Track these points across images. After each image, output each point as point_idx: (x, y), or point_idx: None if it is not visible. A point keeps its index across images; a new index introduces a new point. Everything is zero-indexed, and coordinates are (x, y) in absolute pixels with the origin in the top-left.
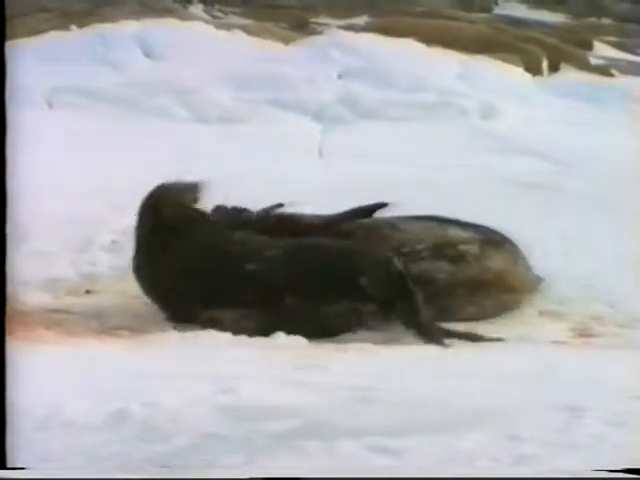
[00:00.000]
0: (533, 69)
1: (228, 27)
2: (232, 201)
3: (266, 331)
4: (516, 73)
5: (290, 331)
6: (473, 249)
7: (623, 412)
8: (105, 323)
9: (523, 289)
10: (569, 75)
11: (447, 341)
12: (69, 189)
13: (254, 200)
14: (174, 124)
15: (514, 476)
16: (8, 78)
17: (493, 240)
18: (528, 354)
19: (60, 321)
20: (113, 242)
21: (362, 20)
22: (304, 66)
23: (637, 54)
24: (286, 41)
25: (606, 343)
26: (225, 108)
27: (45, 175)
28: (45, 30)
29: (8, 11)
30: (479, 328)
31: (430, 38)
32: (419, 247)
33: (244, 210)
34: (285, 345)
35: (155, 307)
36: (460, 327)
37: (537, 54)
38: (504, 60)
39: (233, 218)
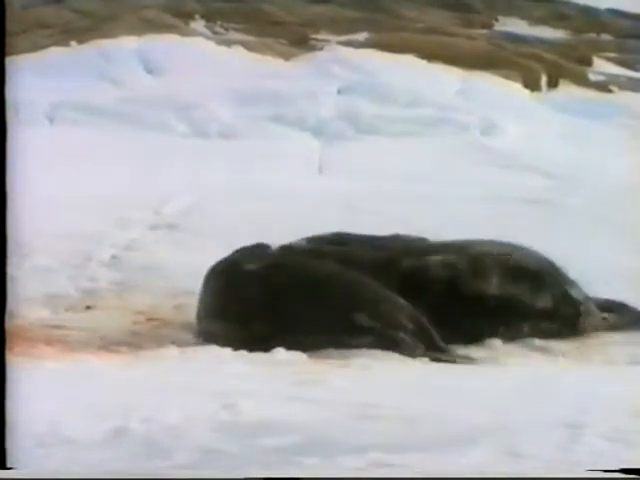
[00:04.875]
0: (532, 85)
1: (229, 43)
2: (231, 216)
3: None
4: (515, 89)
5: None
6: None
7: (624, 429)
8: (105, 339)
9: None
10: (568, 91)
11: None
12: (69, 204)
13: (253, 215)
14: (174, 139)
15: (513, 476)
16: (9, 94)
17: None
18: (528, 369)
19: (60, 337)
20: (113, 257)
21: (362, 36)
22: (304, 82)
23: (637, 70)
24: (286, 57)
25: (607, 358)
26: (225, 123)
27: (46, 191)
28: (46, 46)
29: (9, 27)
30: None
31: (430, 54)
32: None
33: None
34: (285, 361)
35: (157, 323)
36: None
37: (536, 70)
38: (504, 76)
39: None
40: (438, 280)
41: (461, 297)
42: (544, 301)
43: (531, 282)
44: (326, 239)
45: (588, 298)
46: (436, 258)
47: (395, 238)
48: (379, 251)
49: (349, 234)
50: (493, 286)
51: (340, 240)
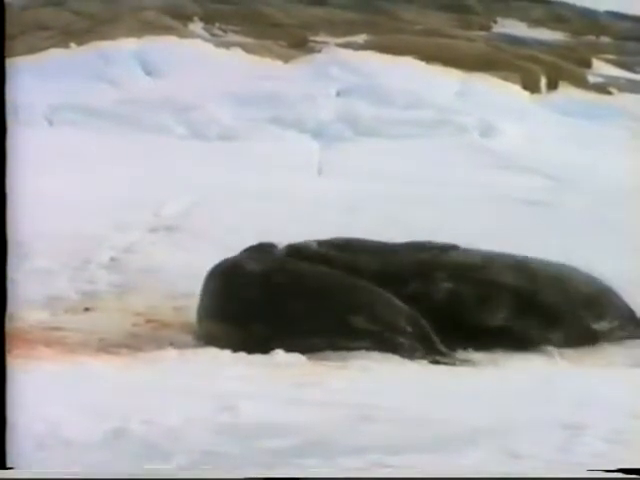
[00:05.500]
0: (531, 87)
1: (227, 45)
2: (230, 218)
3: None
4: (514, 91)
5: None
6: None
7: (624, 430)
8: (104, 341)
9: None
10: (567, 93)
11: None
12: (69, 206)
13: (252, 217)
14: (173, 141)
15: (512, 475)
16: (8, 95)
17: None
18: (528, 371)
19: (59, 339)
20: (112, 259)
21: (361, 38)
22: (303, 84)
23: (636, 72)
24: (285, 59)
25: (607, 361)
26: (224, 125)
27: (45, 192)
28: (45, 48)
29: (8, 29)
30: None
31: (429, 56)
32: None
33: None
34: (284, 363)
35: (156, 324)
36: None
37: (535, 72)
38: (503, 78)
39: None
40: (442, 308)
41: (464, 326)
42: (556, 335)
43: (543, 316)
44: (335, 245)
45: (621, 325)
46: (443, 286)
47: (409, 248)
48: (388, 265)
49: (359, 240)
50: (499, 318)
51: (349, 247)
